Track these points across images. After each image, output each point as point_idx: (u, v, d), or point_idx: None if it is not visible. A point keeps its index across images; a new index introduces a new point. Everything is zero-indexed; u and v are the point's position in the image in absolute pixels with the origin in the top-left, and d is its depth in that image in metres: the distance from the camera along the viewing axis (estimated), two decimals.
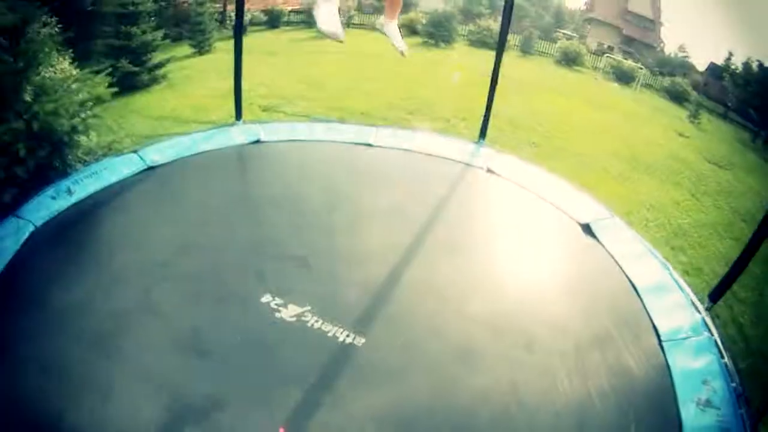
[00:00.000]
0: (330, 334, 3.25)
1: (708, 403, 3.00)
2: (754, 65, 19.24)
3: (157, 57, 10.48)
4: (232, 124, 6.28)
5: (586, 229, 4.75)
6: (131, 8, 9.95)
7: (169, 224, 4.29)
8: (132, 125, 7.09)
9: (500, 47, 6.23)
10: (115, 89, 5.78)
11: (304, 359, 3.09)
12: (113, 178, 4.82)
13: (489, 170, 5.73)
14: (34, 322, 3.15)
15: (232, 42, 15.08)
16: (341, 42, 3.61)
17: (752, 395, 3.43)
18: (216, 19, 15.52)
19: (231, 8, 18.43)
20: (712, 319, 3.81)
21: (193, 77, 11.22)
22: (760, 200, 9.24)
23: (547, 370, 3.23)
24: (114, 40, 9.82)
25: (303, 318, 3.35)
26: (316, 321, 3.33)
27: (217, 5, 17.50)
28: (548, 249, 4.55)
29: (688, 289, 4.03)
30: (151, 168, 5.04)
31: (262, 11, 18.90)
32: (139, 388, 2.80)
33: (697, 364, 3.28)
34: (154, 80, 10.16)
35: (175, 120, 7.60)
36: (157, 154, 5.24)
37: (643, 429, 2.88)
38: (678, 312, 3.74)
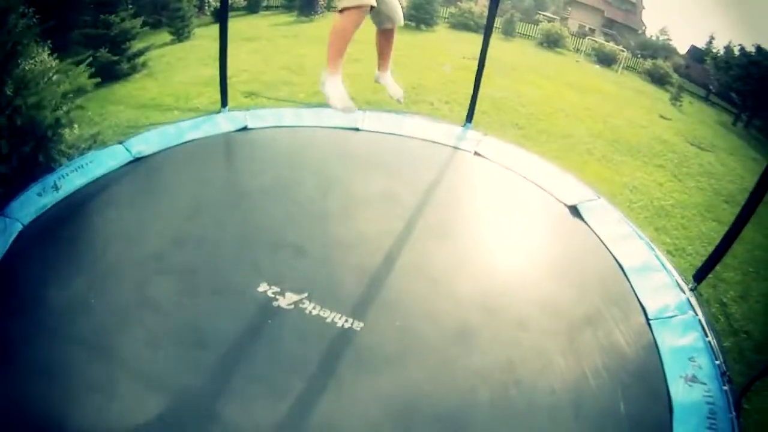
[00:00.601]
0: (328, 320, 3.33)
1: (695, 379, 3.15)
2: (736, 49, 19.58)
3: (137, 45, 10.38)
4: (217, 112, 6.26)
5: (573, 210, 4.88)
6: None
7: (161, 216, 4.29)
8: (114, 115, 7.05)
9: (488, 31, 6.26)
10: (97, 80, 5.72)
11: (304, 346, 3.16)
12: (100, 171, 4.78)
13: (476, 153, 5.82)
14: (32, 321, 3.16)
15: (211, 28, 15.02)
16: (353, 113, 3.67)
17: (737, 372, 3.60)
18: (194, 5, 15.35)
19: None
20: (697, 298, 3.98)
21: (174, 65, 11.15)
22: (742, 181, 9.47)
23: (541, 349, 3.36)
24: (92, 30, 9.71)
25: (301, 305, 3.42)
26: (314, 307, 3.41)
27: None
28: (537, 231, 4.68)
29: (672, 270, 4.18)
30: (138, 159, 5.01)
31: None
32: (140, 382, 2.85)
33: (683, 342, 3.43)
34: (134, 69, 10.06)
35: (156, 108, 7.58)
36: (143, 144, 5.20)
37: (635, 403, 3.02)
38: (664, 291, 3.89)
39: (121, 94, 8.56)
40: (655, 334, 3.50)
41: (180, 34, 13.67)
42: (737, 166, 10.98)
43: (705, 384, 3.12)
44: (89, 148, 5.15)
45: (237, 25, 15.52)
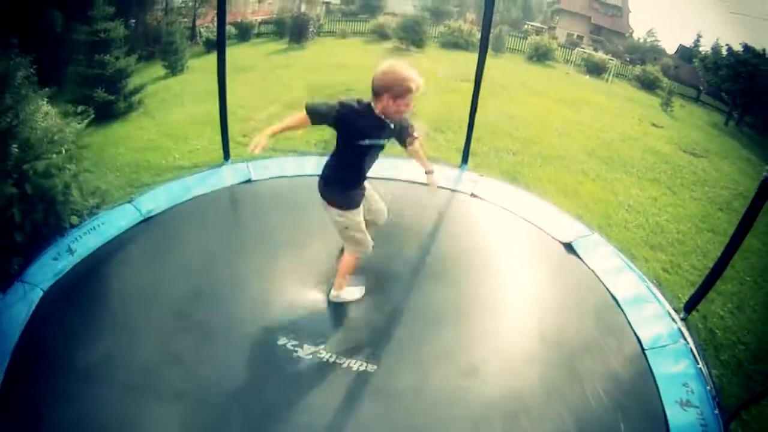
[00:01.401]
0: (345, 366, 3.60)
1: (689, 404, 3.46)
2: (723, 49, 20.03)
3: (132, 83, 10.62)
4: (221, 165, 6.46)
5: (569, 247, 5.19)
6: (102, 36, 10.10)
7: (177, 274, 4.49)
8: (115, 160, 7.23)
9: (478, 76, 6.56)
10: (93, 131, 5.77)
11: (326, 391, 3.43)
12: (112, 232, 4.97)
13: (473, 195, 6.10)
14: (62, 385, 3.35)
15: (204, 59, 15.35)
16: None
17: (735, 384, 4.01)
18: (186, 36, 15.52)
19: (200, 22, 18.51)
20: (687, 326, 4.30)
21: (169, 102, 11.34)
22: (736, 186, 9.75)
23: (546, 379, 3.65)
24: (87, 69, 9.96)
25: (319, 354, 3.68)
26: (331, 356, 3.67)
27: (186, 20, 17.49)
28: (536, 269, 4.94)
29: (664, 300, 4.50)
30: (148, 218, 5.22)
31: (232, 24, 18.93)
32: None
33: (677, 369, 3.75)
34: (130, 107, 10.28)
35: (156, 150, 7.75)
36: (152, 203, 5.40)
37: (636, 426, 3.34)
38: (656, 322, 4.22)
39: (120, 136, 8.74)
40: (651, 363, 3.81)
41: (174, 68, 13.84)
42: (731, 170, 11.26)
43: (698, 407, 3.43)
44: (97, 207, 5.33)
45: (229, 54, 15.66)
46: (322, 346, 3.75)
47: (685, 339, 4.03)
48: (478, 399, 3.46)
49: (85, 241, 4.83)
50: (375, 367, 3.62)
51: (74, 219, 5.04)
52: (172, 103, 11.18)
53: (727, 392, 3.87)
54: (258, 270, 4.61)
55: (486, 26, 6.43)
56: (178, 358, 3.61)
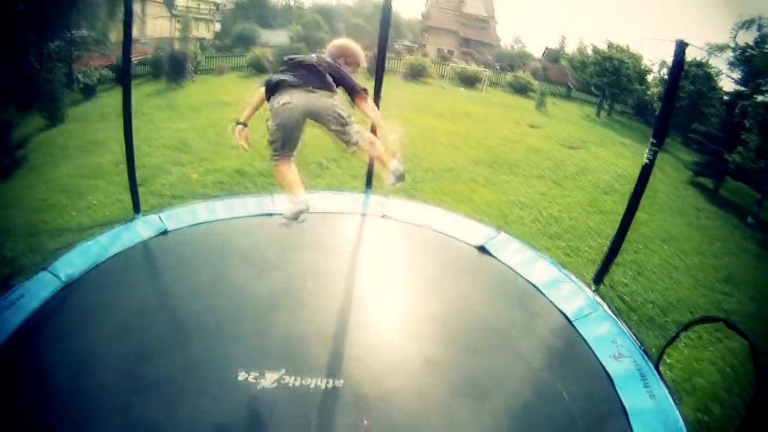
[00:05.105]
0: (312, 387, 3.74)
1: (621, 355, 4.16)
2: (589, 49, 22.29)
3: (15, 136, 9.76)
4: (131, 219, 6.20)
5: (482, 249, 5.73)
6: None
7: (117, 337, 4.29)
8: (11, 225, 6.61)
9: (377, 91, 6.75)
10: None
11: (300, 414, 3.56)
12: (34, 305, 4.61)
13: (384, 216, 6.48)
14: None
15: (83, 107, 14.84)
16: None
17: (653, 336, 4.93)
18: (63, 83, 14.60)
19: (76, 67, 17.30)
20: (601, 295, 5.06)
21: (55, 155, 10.29)
22: (615, 169, 10.88)
23: (494, 363, 4.15)
24: None
25: (283, 381, 3.78)
26: (295, 380, 3.78)
27: (61, 65, 16.53)
28: (458, 273, 5.39)
29: (575, 279, 5.23)
30: (68, 284, 4.93)
31: (107, 67, 18.00)
32: None
33: (603, 331, 4.45)
34: (16, 164, 9.31)
35: (51, 210, 7.19)
36: (69, 267, 5.12)
37: (583, 384, 3.95)
38: (575, 297, 4.90)
39: (9, 196, 8.02)
40: (580, 331, 4.48)
41: (54, 118, 12.67)
42: (608, 156, 12.48)
43: (630, 357, 4.15)
44: (9, 277, 5.02)
45: (109, 100, 14.86)
46: (284, 371, 3.86)
47: (602, 306, 4.78)
48: (439, 388, 3.84)
49: (7, 317, 4.40)
50: (341, 381, 3.81)
51: None
52: (59, 156, 10.19)
53: (649, 344, 4.58)
54: (198, 316, 4.59)
55: (381, 49, 6.68)
56: (143, 418, 3.50)
